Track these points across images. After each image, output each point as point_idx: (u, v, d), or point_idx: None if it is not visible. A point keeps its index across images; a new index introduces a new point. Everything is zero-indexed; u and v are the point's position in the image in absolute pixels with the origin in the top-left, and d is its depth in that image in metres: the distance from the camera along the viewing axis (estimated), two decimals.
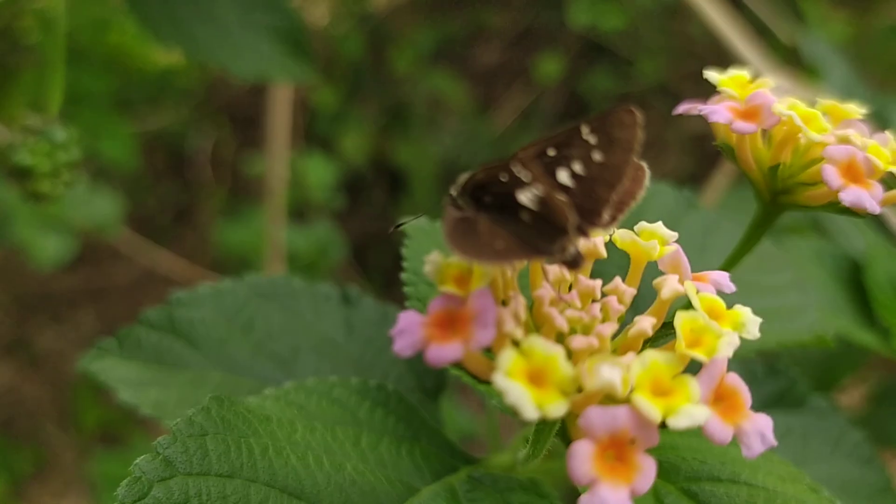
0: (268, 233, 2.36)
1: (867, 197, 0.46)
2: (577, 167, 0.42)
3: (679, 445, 0.51)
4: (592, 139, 0.42)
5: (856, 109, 0.53)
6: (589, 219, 0.41)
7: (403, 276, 0.56)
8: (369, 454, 0.50)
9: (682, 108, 0.54)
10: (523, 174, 0.40)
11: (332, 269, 2.76)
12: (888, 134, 0.52)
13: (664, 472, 0.50)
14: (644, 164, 0.44)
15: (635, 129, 0.42)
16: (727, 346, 0.39)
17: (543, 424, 0.44)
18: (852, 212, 0.49)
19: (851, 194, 0.46)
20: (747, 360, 0.77)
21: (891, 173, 0.48)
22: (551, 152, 0.42)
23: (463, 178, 0.44)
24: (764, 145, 0.53)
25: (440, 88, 3.41)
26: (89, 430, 2.77)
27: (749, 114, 0.49)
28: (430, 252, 0.53)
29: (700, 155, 3.52)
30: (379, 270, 3.26)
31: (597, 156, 0.42)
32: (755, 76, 0.54)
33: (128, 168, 2.50)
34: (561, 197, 0.40)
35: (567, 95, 3.54)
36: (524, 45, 3.65)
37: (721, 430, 0.37)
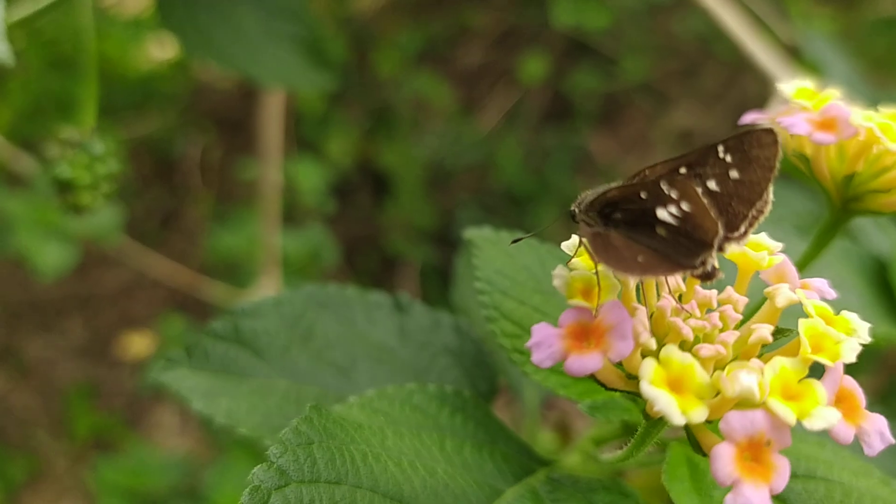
0: (262, 237, 2.37)
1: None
2: (712, 184, 0.44)
3: None
4: (729, 158, 0.44)
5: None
6: (727, 234, 0.43)
7: (477, 284, 0.57)
8: (455, 458, 0.52)
9: (750, 117, 0.55)
10: (672, 191, 0.42)
11: (325, 272, 2.77)
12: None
13: None
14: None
15: (775, 148, 0.44)
16: (850, 350, 0.41)
17: (653, 428, 0.46)
18: None
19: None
20: None
21: None
22: (683, 170, 0.44)
23: (589, 195, 0.45)
24: (835, 154, 0.55)
25: (424, 90, 3.42)
26: (82, 438, 2.76)
27: (826, 124, 0.51)
28: (498, 262, 0.55)
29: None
30: (367, 273, 3.26)
31: (734, 173, 0.44)
32: (818, 87, 0.56)
33: (116, 174, 2.50)
34: (713, 213, 0.41)
35: (551, 95, 3.56)
36: (508, 45, 3.66)
37: (846, 430, 0.40)
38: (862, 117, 0.51)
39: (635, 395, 0.43)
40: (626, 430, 0.57)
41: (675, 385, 0.39)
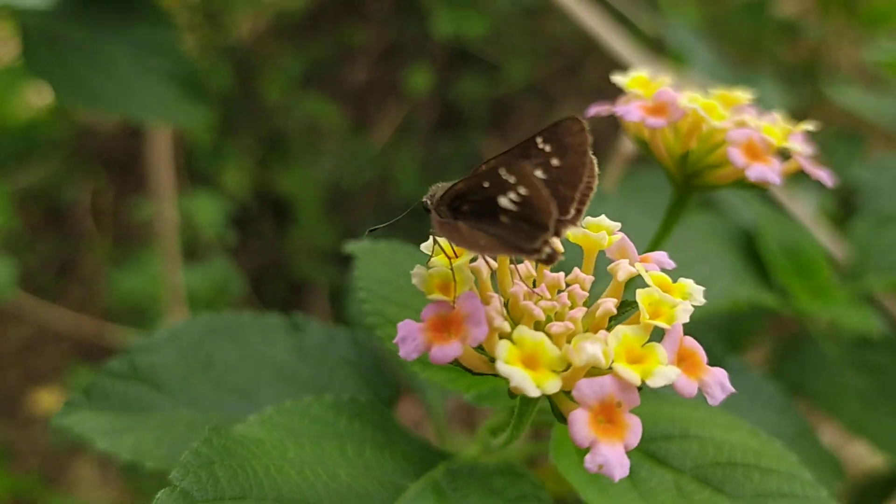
0: (164, 277, 2.34)
1: (769, 171, 0.53)
2: (539, 173, 0.47)
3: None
4: (548, 147, 0.47)
5: (744, 95, 0.60)
6: (560, 217, 0.46)
7: (360, 294, 0.59)
8: (356, 461, 0.54)
9: (594, 110, 0.59)
10: (510, 177, 0.45)
11: (232, 304, 2.75)
12: (775, 114, 0.59)
13: None
14: (594, 159, 0.49)
15: (583, 135, 0.47)
16: (683, 312, 0.45)
17: (525, 406, 0.49)
18: (756, 186, 0.56)
19: (756, 171, 0.53)
20: None
21: (784, 148, 0.54)
22: (515, 159, 0.47)
23: (438, 189, 0.48)
24: (671, 136, 0.59)
25: (314, 113, 3.43)
26: (1, 501, 2.68)
27: (658, 109, 0.56)
28: (377, 270, 0.57)
29: None
30: (276, 301, 3.25)
31: (554, 161, 0.47)
32: (652, 75, 0.61)
33: (3, 228, 2.44)
34: (545, 192, 0.44)
35: (440, 105, 3.60)
36: (392, 60, 3.69)
37: (688, 385, 0.43)
38: (688, 100, 0.55)
39: (494, 376, 0.46)
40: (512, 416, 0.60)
41: (530, 361, 0.42)
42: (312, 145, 3.47)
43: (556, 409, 0.45)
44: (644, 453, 0.55)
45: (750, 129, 0.54)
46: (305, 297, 3.34)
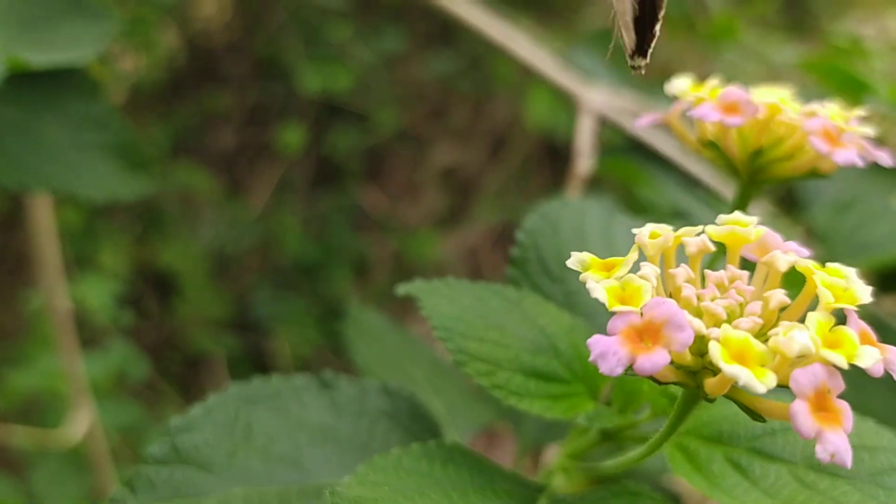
0: (62, 368, 2.21)
1: (853, 155, 0.54)
2: None
3: (726, 418, 0.57)
4: None
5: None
6: None
7: (436, 333, 0.57)
8: None
9: (646, 120, 0.60)
10: None
11: (136, 388, 2.63)
12: (829, 102, 0.61)
13: (727, 438, 0.55)
14: None
15: None
16: (861, 293, 0.46)
17: (683, 413, 0.48)
18: (823, 175, 0.58)
19: (842, 156, 0.54)
20: None
21: (861, 132, 0.56)
22: None
23: None
24: (736, 134, 0.60)
25: (187, 182, 3.35)
26: None
27: (731, 108, 0.57)
28: (443, 308, 0.56)
29: (453, 188, 3.66)
30: (174, 377, 3.13)
31: None
32: (704, 81, 0.62)
33: None
34: None
35: (315, 161, 3.58)
36: (259, 121, 3.65)
37: (878, 364, 0.43)
38: (758, 96, 0.57)
39: (682, 385, 0.45)
40: (605, 438, 0.59)
41: (740, 359, 0.42)
42: (189, 216, 3.38)
43: (747, 408, 0.45)
44: (752, 451, 0.55)
45: (821, 117, 0.56)
46: (203, 369, 3.24)
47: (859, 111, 0.60)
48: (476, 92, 3.65)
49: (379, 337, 0.95)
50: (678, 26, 2.62)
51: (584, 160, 1.11)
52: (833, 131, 0.55)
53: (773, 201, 1.22)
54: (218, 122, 3.73)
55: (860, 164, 0.55)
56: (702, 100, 0.57)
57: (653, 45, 0.50)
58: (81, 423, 2.14)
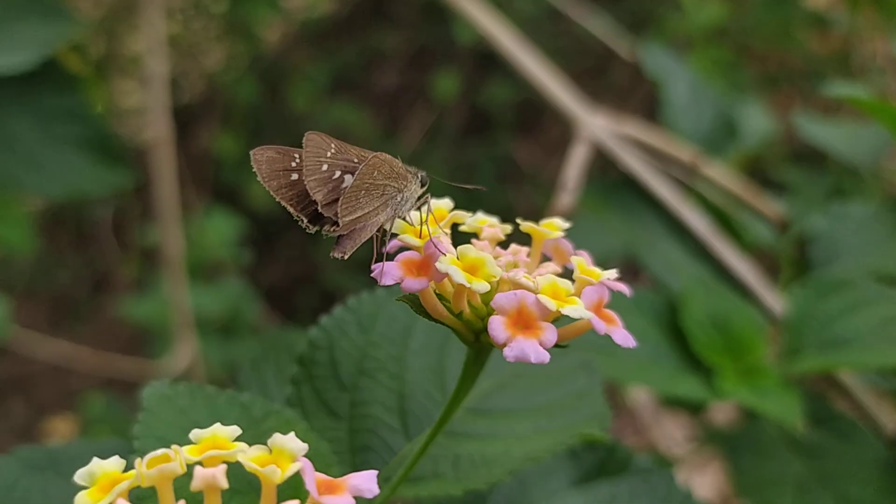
0: (173, 301, 2.32)
1: (532, 348, 0.47)
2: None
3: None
4: None
5: (558, 225, 0.55)
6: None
7: (135, 444, 0.54)
8: None
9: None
10: None
11: (250, 325, 2.73)
12: (585, 253, 0.53)
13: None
14: None
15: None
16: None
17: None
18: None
19: (516, 349, 0.46)
20: None
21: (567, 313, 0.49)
22: None
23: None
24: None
25: (343, 119, 3.40)
26: None
27: (424, 266, 0.51)
28: (168, 415, 0.52)
29: None
30: (307, 310, 3.24)
31: None
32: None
33: (27, 250, 2.45)
34: None
35: (468, 110, 3.54)
36: (422, 65, 3.64)
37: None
38: (454, 255, 0.51)
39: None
40: None
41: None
42: None
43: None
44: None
45: (523, 291, 0.48)
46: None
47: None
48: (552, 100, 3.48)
49: None
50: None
51: (567, 195, 1.01)
52: (534, 310, 0.47)
53: (790, 261, 1.07)
54: (381, 62, 3.76)
55: (538, 360, 0.46)
56: (406, 245, 0.55)
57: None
58: (184, 356, 2.24)
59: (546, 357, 0.47)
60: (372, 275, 0.54)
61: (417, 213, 0.59)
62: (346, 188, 0.57)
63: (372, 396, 0.63)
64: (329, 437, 0.61)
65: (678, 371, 0.87)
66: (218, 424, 0.46)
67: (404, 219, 0.58)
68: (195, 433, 0.46)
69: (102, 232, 3.18)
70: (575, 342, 0.61)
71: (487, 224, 0.58)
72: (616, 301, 0.82)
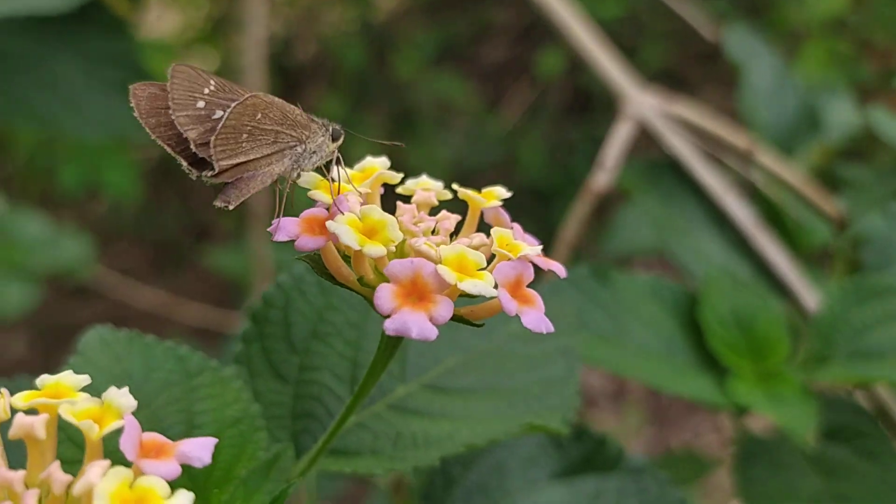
0: (254, 254, 2.35)
1: (416, 322, 0.43)
2: None
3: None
4: None
5: (497, 194, 0.52)
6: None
7: None
8: None
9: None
10: None
11: None
12: (517, 226, 0.50)
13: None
14: None
15: None
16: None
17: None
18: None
19: (397, 321, 0.43)
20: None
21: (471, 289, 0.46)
22: None
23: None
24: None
25: (446, 90, 3.38)
26: None
27: (322, 225, 0.49)
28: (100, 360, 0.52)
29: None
30: None
31: None
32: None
33: (133, 197, 2.52)
34: None
35: (571, 89, 3.48)
36: (531, 41, 3.59)
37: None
38: (351, 218, 0.49)
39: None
40: None
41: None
42: (443, 123, 3.43)
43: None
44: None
45: (424, 259, 0.45)
46: None
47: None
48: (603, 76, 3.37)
49: None
50: None
51: (604, 174, 0.96)
52: (431, 281, 0.44)
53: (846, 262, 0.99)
54: (491, 35, 3.73)
55: (422, 335, 0.42)
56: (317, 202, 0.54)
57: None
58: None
59: (433, 333, 0.44)
60: (269, 229, 0.52)
61: (349, 170, 0.57)
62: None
63: (323, 362, 0.61)
64: (271, 401, 0.59)
65: (689, 368, 0.82)
66: (69, 372, 0.45)
67: (323, 174, 0.56)
68: (41, 379, 0.45)
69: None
70: (576, 326, 0.57)
71: (421, 187, 0.55)
72: (632, 288, 0.78)
